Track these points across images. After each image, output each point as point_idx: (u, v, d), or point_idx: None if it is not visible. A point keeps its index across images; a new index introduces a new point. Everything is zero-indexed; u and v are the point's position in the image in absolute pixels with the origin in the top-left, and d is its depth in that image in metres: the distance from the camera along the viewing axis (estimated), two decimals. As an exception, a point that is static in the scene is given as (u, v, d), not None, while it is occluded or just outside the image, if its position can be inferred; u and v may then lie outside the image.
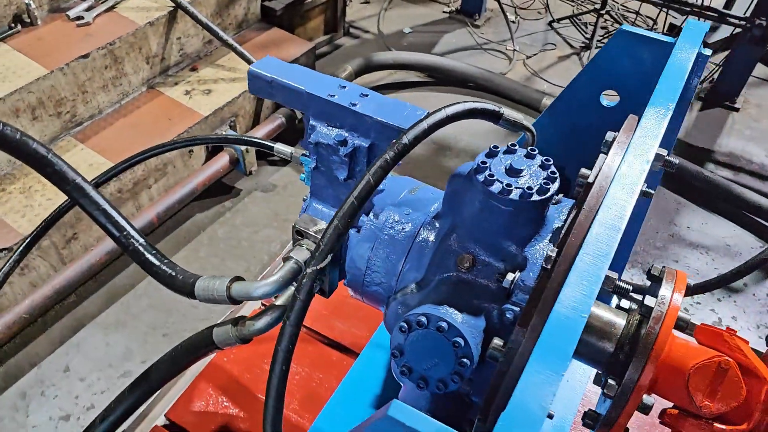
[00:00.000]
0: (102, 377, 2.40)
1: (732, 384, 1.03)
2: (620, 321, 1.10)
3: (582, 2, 4.55)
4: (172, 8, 2.95)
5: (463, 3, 4.35)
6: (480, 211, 1.23)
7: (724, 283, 2.51)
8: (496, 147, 1.34)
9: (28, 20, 2.78)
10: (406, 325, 1.18)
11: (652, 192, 1.12)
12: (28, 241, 1.73)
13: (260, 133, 3.13)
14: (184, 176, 2.93)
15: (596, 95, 1.68)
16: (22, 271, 2.45)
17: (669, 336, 1.03)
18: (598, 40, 4.08)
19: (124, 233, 1.26)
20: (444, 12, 4.42)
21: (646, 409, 1.04)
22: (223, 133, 3.05)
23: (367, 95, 1.64)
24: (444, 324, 1.14)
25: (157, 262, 1.27)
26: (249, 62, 3.02)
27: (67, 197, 1.25)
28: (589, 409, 1.11)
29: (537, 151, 1.40)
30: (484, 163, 1.25)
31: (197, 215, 2.98)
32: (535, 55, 4.08)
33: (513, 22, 4.32)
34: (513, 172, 1.26)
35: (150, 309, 2.61)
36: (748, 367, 1.03)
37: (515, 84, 3.60)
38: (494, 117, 1.59)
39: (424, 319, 1.16)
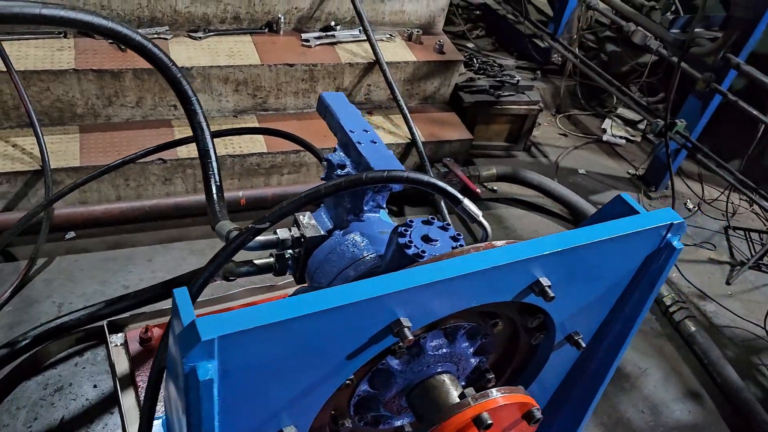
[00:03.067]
0: (165, 276, 3.07)
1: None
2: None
3: (781, 227, 4.27)
4: (372, 61, 3.67)
5: (647, 171, 4.41)
6: (397, 264, 1.62)
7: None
8: (411, 221, 1.71)
9: (275, 29, 3.72)
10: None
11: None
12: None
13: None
14: (307, 182, 3.56)
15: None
16: (168, 181, 3.27)
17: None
18: (758, 262, 3.83)
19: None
20: (628, 173, 4.52)
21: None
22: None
23: (375, 143, 2.10)
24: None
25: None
26: (409, 126, 3.58)
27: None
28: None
29: (451, 226, 1.72)
30: (405, 229, 1.64)
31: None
32: (687, 245, 3.96)
33: (689, 209, 4.24)
34: (427, 239, 1.62)
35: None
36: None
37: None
38: (454, 201, 1.92)
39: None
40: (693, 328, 3.25)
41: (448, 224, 1.79)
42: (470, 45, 5.38)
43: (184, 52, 3.39)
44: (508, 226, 3.84)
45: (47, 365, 2.66)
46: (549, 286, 1.54)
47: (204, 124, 2.09)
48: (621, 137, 4.81)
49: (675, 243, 1.72)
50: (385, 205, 2.17)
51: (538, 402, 1.79)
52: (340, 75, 3.65)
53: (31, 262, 2.94)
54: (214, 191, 2.00)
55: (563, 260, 1.57)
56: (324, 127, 3.12)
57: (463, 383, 1.80)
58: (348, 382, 1.54)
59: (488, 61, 4.44)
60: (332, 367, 1.42)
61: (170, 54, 3.34)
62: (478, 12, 5.89)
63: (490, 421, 1.50)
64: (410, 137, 3.60)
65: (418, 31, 3.92)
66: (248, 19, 3.66)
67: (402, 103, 3.57)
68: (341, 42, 3.76)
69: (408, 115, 3.58)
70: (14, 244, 3.07)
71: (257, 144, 3.41)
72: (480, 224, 1.96)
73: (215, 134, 2.43)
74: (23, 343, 2.53)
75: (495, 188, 4.09)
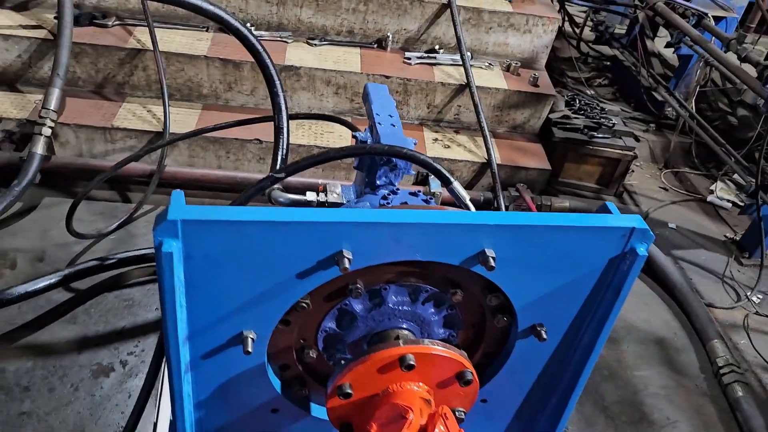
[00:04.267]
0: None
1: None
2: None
3: None
4: (464, 84, 3.93)
5: (744, 235, 4.15)
6: None
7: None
8: (398, 189, 1.97)
9: (383, 45, 4.13)
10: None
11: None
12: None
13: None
14: (386, 182, 3.86)
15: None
16: (262, 160, 3.77)
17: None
18: None
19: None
20: (725, 236, 4.28)
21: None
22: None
23: (394, 126, 2.37)
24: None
25: None
26: (487, 147, 3.77)
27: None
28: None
29: (432, 200, 1.97)
30: (389, 194, 1.92)
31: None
32: (762, 315, 3.68)
33: (785, 285, 3.93)
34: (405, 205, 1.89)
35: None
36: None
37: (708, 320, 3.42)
38: (444, 182, 2.15)
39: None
40: (740, 393, 3.05)
41: (431, 198, 2.01)
42: (589, 92, 5.43)
43: (298, 54, 3.90)
44: (572, 261, 3.84)
45: (127, 285, 3.20)
46: (493, 257, 1.69)
47: (283, 106, 2.52)
48: (728, 200, 4.56)
49: (639, 250, 1.78)
50: (397, 184, 2.41)
51: (512, 399, 1.94)
52: (432, 92, 3.96)
53: (138, 206, 3.55)
54: (279, 163, 2.38)
55: (515, 237, 1.71)
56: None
57: None
58: (304, 305, 1.79)
59: (591, 104, 4.49)
60: (284, 281, 1.68)
61: (287, 55, 3.87)
62: (608, 63, 5.91)
63: (412, 362, 1.67)
64: (487, 158, 3.79)
65: (516, 63, 4.12)
66: (361, 34, 4.11)
67: (484, 124, 3.78)
68: (440, 64, 4.07)
69: (488, 136, 3.78)
70: (132, 190, 3.72)
71: (338, 138, 3.80)
72: (466, 207, 2.14)
73: (291, 116, 2.85)
74: (110, 261, 3.10)
75: (570, 224, 4.10)
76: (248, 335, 1.79)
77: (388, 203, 2.01)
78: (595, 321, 2.00)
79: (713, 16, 4.45)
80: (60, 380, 2.75)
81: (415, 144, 2.51)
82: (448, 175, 2.12)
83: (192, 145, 3.68)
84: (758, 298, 3.82)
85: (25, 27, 3.70)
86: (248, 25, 3.99)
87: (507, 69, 4.16)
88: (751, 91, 3.85)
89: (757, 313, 3.72)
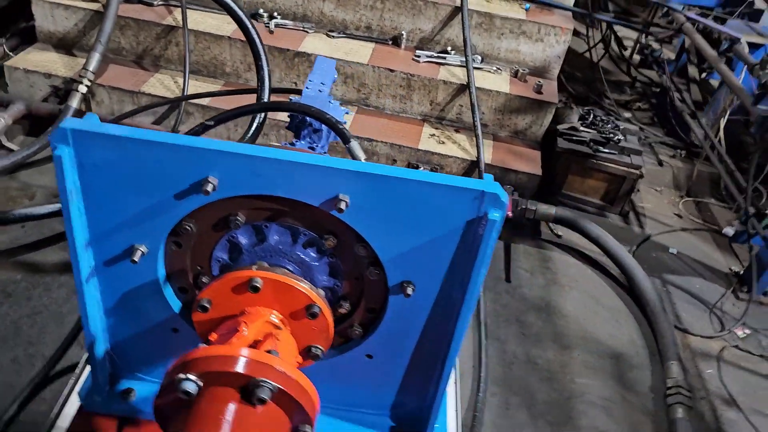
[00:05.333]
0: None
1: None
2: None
3: None
4: (465, 84, 4.04)
5: (746, 270, 3.91)
6: None
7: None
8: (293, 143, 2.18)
9: (398, 43, 4.33)
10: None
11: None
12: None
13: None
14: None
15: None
16: (264, 137, 4.07)
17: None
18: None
19: None
20: (730, 269, 4.05)
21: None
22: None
23: (320, 91, 2.56)
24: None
25: None
26: (477, 145, 3.85)
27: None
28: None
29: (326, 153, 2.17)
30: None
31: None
32: (752, 354, 3.45)
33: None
34: None
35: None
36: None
37: (671, 342, 3.30)
38: (343, 139, 2.34)
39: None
40: (679, 415, 2.92)
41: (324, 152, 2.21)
42: (626, 114, 5.33)
43: (314, 44, 4.20)
44: (550, 268, 3.82)
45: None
46: (345, 202, 1.86)
47: (266, 79, 2.81)
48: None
49: (491, 214, 1.88)
50: (320, 148, 2.59)
51: (396, 361, 2.10)
52: (434, 90, 4.10)
53: (150, 163, 3.95)
54: (253, 129, 2.66)
55: (370, 186, 1.86)
56: (407, 129, 3.77)
57: None
58: (188, 227, 2.02)
59: (606, 119, 4.43)
60: (164, 199, 1.92)
61: (303, 43, 4.18)
62: (656, 89, 5.75)
63: (257, 285, 1.86)
64: (476, 156, 3.88)
65: (523, 70, 4.18)
66: (378, 30, 4.34)
67: (478, 122, 3.88)
68: (448, 64, 4.21)
69: (480, 135, 3.86)
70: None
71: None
72: None
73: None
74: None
75: (560, 234, 4.08)
76: (139, 248, 2.06)
77: (280, 150, 2.21)
78: (461, 287, 2.11)
79: (749, 43, 4.27)
80: (38, 294, 3.15)
81: (346, 113, 2.70)
82: (346, 133, 2.30)
83: (205, 116, 4.05)
84: (744, 333, 3.61)
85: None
86: (275, 14, 4.35)
87: (515, 75, 4.22)
88: None
89: (737, 347, 3.51)
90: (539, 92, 4.10)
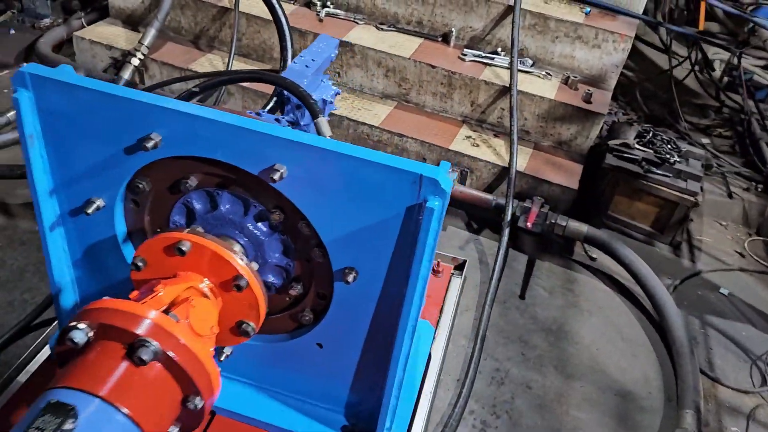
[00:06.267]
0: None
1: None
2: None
3: None
4: (506, 87, 3.82)
5: (807, 323, 3.39)
6: None
7: None
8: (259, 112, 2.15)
9: (448, 40, 4.18)
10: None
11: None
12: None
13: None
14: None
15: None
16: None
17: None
18: None
19: None
20: (792, 321, 3.54)
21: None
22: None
23: (307, 67, 2.48)
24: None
25: None
26: (512, 151, 3.62)
27: None
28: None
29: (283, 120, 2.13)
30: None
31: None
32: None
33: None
34: None
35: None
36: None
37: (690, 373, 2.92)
38: (312, 113, 2.25)
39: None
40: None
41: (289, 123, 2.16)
42: (704, 140, 4.85)
43: (359, 34, 4.14)
44: (572, 290, 3.51)
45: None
46: (281, 173, 1.78)
47: (289, 60, 2.86)
48: (818, 285, 3.76)
49: (430, 202, 1.75)
50: (302, 122, 2.50)
51: (347, 352, 2.07)
52: (475, 90, 3.92)
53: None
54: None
55: (307, 157, 1.79)
56: (443, 128, 3.75)
57: (274, 280, 2.05)
58: (140, 185, 2.02)
59: (667, 140, 4.03)
60: (115, 153, 1.94)
61: (350, 33, 4.14)
62: (744, 116, 5.19)
63: (184, 248, 1.83)
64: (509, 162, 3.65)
65: (575, 77, 3.89)
66: (429, 26, 4.22)
67: (515, 127, 3.65)
68: (495, 65, 4.01)
69: (515, 140, 3.63)
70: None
71: (373, 117, 3.94)
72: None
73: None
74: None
75: (595, 257, 3.75)
76: (95, 201, 2.09)
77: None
78: (405, 278, 1.97)
79: None
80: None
81: (337, 94, 2.61)
82: (315, 108, 2.22)
83: (245, 97, 4.10)
84: (786, 387, 3.13)
85: (151, -22, 4.47)
86: (328, 3, 4.34)
87: (565, 82, 3.94)
88: None
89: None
90: (588, 101, 3.80)
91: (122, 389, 1.63)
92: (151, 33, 4.18)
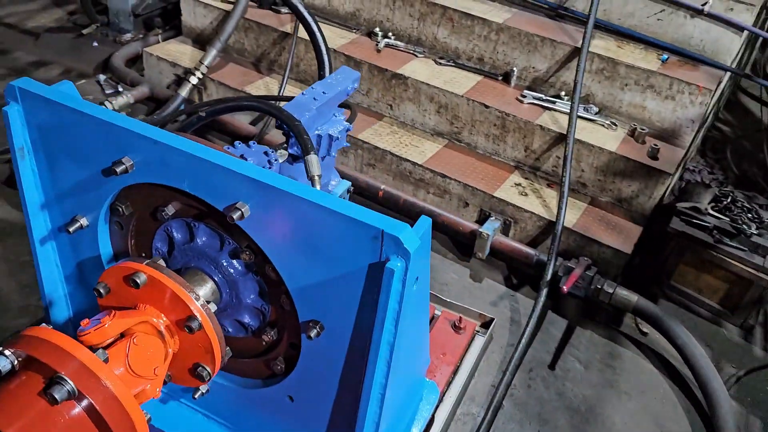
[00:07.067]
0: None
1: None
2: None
3: None
4: (563, 134, 3.49)
5: None
6: None
7: None
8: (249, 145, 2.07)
9: (508, 80, 3.92)
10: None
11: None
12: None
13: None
14: (446, 209, 3.65)
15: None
16: (344, 153, 3.94)
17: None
18: None
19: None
20: None
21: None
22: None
23: (315, 99, 2.35)
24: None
25: None
26: (560, 205, 3.30)
27: None
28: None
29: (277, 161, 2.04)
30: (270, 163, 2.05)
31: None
32: None
33: None
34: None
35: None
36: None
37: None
38: (303, 149, 2.11)
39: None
40: None
41: (276, 159, 2.06)
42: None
43: (415, 67, 3.97)
44: (613, 367, 3.10)
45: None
46: (242, 211, 1.66)
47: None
48: None
49: (390, 262, 1.57)
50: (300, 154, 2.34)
51: (318, 409, 1.96)
52: (530, 134, 3.63)
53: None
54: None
55: (269, 198, 1.67)
56: (492, 172, 3.61)
57: (250, 322, 1.95)
58: (119, 208, 1.95)
59: (749, 208, 3.53)
60: (95, 173, 1.89)
61: (406, 65, 3.99)
62: None
63: (138, 280, 1.74)
64: (556, 216, 3.32)
65: (642, 129, 3.50)
66: (490, 63, 3.98)
67: (567, 180, 3.33)
68: (555, 110, 3.70)
69: (566, 193, 3.31)
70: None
71: (419, 154, 3.74)
72: (312, 180, 2.06)
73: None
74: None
75: (646, 331, 3.32)
76: (79, 219, 2.06)
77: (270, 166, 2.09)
78: (372, 342, 1.81)
79: None
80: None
81: (348, 130, 2.45)
82: (308, 144, 2.08)
83: (294, 123, 4.03)
84: None
85: (221, 0, 4.53)
86: (389, 34, 4.21)
87: (632, 134, 3.57)
88: None
89: None
90: (654, 157, 3.41)
91: (31, 428, 1.53)
92: (212, 53, 4.23)
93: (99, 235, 2.10)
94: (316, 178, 2.00)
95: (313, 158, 2.01)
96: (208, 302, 1.84)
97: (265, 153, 2.09)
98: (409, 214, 3.71)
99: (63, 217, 2.10)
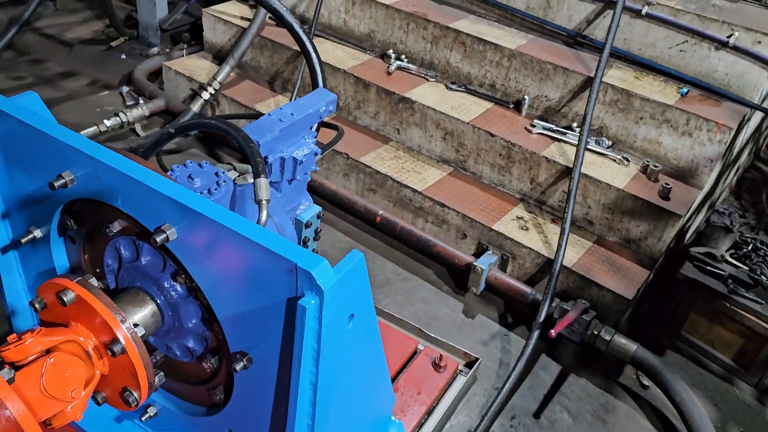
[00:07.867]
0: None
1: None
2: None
3: None
4: (570, 167, 3.31)
5: None
6: None
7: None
8: (202, 164, 2.02)
9: (519, 108, 3.76)
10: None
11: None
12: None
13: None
14: (443, 239, 3.50)
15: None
16: (346, 176, 3.85)
17: None
18: None
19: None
20: None
21: None
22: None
23: (281, 120, 2.29)
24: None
25: None
26: (560, 242, 3.12)
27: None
28: None
29: (226, 181, 1.98)
30: (172, 171, 2.01)
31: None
32: None
33: None
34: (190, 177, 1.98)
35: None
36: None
37: None
38: (254, 172, 2.03)
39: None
40: None
41: (226, 180, 2.00)
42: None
43: (424, 91, 3.87)
44: (605, 420, 2.87)
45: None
46: (167, 234, 1.60)
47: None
48: None
49: (305, 299, 1.49)
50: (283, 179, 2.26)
51: None
52: (535, 166, 3.45)
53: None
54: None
55: (192, 223, 1.62)
56: (494, 204, 3.68)
57: (194, 347, 1.89)
58: (67, 222, 1.93)
59: (771, 257, 3.25)
60: (42, 185, 1.87)
61: (415, 89, 3.90)
62: None
63: (64, 298, 1.70)
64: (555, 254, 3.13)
65: (655, 166, 3.28)
66: (502, 90, 3.84)
67: (569, 215, 3.13)
68: (565, 141, 3.52)
69: (567, 230, 3.11)
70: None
71: (420, 181, 3.61)
72: (259, 203, 1.99)
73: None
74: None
75: (647, 384, 3.08)
76: (33, 231, 2.06)
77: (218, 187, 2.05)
78: (291, 382, 1.73)
79: None
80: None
81: (317, 155, 2.37)
82: (259, 167, 2.02)
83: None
84: None
85: (241, 17, 4.55)
86: (402, 57, 4.13)
87: (644, 170, 3.35)
88: None
89: None
90: (665, 197, 3.18)
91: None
92: (225, 70, 4.24)
93: (53, 248, 2.08)
94: (264, 202, 1.92)
95: (262, 182, 1.93)
96: (136, 325, 1.77)
97: (216, 174, 2.03)
98: (406, 242, 3.59)
99: (22, 227, 2.09)
